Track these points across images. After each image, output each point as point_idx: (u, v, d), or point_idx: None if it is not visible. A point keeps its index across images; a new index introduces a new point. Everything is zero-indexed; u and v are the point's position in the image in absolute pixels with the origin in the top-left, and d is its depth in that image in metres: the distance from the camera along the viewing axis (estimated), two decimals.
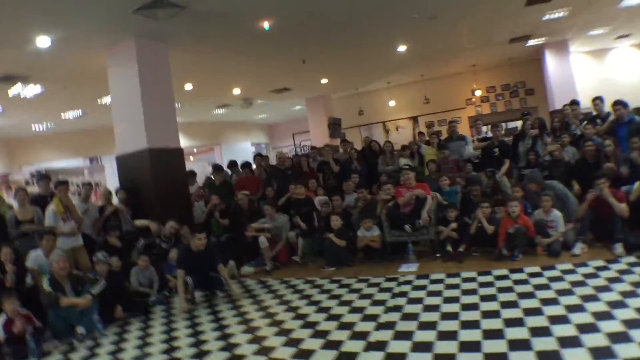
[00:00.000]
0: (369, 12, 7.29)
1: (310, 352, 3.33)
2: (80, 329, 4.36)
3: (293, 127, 19.40)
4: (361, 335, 3.51)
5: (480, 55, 12.33)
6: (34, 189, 7.79)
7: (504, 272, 4.60)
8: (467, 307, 3.78)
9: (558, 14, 8.90)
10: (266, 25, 7.16)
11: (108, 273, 5.12)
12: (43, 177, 6.34)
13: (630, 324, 2.95)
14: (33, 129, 13.20)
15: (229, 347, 3.63)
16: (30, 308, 4.37)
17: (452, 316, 3.62)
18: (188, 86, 10.58)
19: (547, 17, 9.06)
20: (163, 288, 5.67)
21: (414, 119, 14.78)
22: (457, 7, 7.60)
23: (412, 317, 3.75)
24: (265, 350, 3.46)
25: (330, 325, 3.84)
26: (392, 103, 15.42)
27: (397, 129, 14.52)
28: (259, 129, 20.55)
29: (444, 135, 9.40)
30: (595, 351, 2.64)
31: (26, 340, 4.06)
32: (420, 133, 10.75)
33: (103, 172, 14.39)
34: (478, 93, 14.09)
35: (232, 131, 18.63)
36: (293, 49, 8.90)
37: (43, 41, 6.41)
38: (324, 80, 12.45)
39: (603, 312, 3.23)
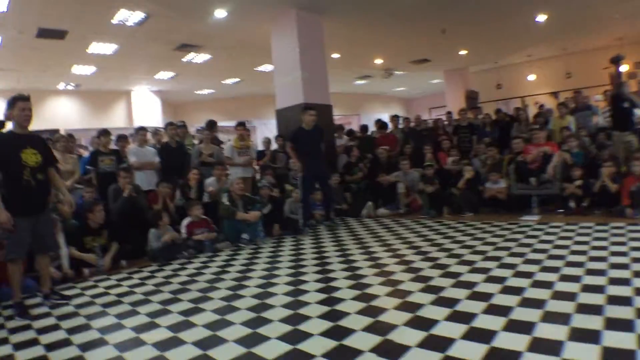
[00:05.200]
0: None
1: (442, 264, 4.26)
2: (245, 236, 5.79)
3: (430, 102, 19.63)
4: (481, 253, 4.35)
5: (628, 27, 11.48)
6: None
7: (621, 224, 4.92)
8: (578, 242, 4.34)
9: None
10: None
11: (269, 197, 6.50)
12: (214, 123, 7.86)
13: None
14: (196, 93, 15.78)
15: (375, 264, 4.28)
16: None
17: (564, 247, 4.23)
18: (335, 55, 11.81)
19: None
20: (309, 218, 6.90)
21: (555, 94, 14.21)
22: None
23: (526, 245, 4.46)
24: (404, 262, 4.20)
25: (454, 245, 4.75)
26: (531, 77, 14.99)
27: (535, 103, 14.18)
28: (396, 102, 21.22)
29: None
30: None
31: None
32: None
33: (254, 133, 16.52)
34: (624, 68, 13.02)
35: (370, 103, 19.61)
36: (434, 18, 9.48)
37: (220, 13, 8.11)
38: (463, 52, 12.66)
39: None
